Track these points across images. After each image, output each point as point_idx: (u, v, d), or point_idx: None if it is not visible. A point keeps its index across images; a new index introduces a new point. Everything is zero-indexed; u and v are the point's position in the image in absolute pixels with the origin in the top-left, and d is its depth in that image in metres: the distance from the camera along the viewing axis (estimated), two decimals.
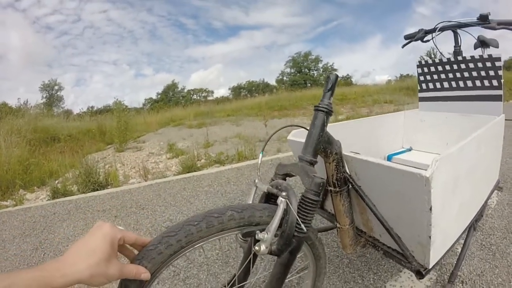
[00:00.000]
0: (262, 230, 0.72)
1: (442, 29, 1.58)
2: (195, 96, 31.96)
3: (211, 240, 0.70)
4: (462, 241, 1.36)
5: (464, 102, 1.57)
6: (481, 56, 1.49)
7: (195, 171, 3.21)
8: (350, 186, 0.97)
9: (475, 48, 1.52)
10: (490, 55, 1.47)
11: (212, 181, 2.76)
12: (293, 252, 0.75)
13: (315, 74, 29.17)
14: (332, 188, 0.96)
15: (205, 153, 4.15)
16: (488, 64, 1.48)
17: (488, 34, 1.55)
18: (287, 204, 0.72)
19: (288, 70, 30.38)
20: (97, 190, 2.60)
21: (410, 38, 1.69)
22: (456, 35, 1.58)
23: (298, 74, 29.52)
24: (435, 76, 1.65)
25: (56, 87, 27.57)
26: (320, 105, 0.82)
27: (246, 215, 0.71)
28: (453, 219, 0.96)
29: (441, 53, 1.61)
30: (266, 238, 0.69)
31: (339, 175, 0.92)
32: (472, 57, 1.51)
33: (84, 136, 6.32)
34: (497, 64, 1.45)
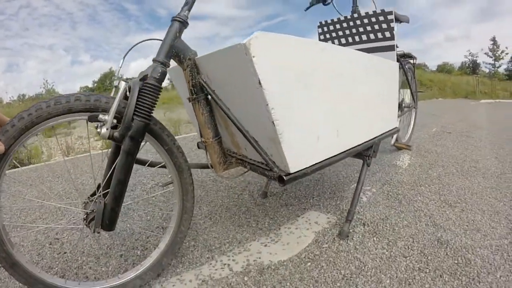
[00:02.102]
0: None
1: None
2: None
3: (61, 121, 0.75)
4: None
5: None
6: (374, 12, 1.57)
7: None
8: (209, 95, 0.96)
9: None
10: (382, 10, 1.56)
11: None
12: (134, 138, 0.77)
13: None
14: (190, 96, 0.96)
15: None
16: (381, 18, 1.56)
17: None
18: (127, 87, 0.78)
19: None
20: (17, 167, 2.48)
21: (312, 2, 1.79)
22: None
23: None
24: (334, 34, 1.73)
25: None
26: (177, 16, 0.88)
27: (92, 99, 0.77)
28: (310, 119, 0.94)
29: (339, 12, 1.71)
30: (106, 119, 0.74)
31: (194, 81, 0.94)
32: (367, 13, 1.60)
33: None
34: (389, 17, 1.54)
